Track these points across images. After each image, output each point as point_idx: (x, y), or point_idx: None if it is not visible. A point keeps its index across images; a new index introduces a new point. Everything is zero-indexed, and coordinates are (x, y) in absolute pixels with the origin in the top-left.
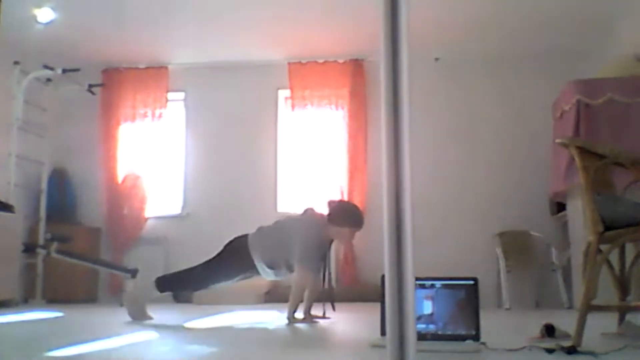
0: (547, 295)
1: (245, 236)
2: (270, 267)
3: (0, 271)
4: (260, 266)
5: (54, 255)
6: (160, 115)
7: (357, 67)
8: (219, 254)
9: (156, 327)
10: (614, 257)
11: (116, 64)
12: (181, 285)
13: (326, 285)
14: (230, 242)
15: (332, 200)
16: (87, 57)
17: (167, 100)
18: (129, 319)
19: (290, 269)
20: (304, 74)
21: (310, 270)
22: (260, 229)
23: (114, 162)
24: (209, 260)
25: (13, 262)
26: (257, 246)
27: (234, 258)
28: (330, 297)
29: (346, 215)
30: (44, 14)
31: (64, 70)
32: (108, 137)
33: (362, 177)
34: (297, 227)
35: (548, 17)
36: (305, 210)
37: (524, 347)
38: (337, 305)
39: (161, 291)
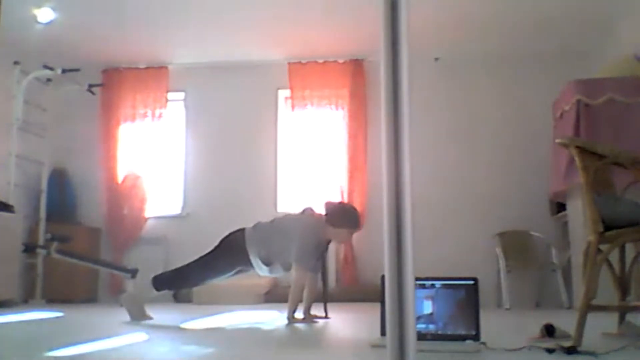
0: (547, 295)
1: (242, 230)
2: (266, 263)
3: (0, 271)
4: (256, 261)
5: (54, 255)
6: (160, 115)
7: (357, 67)
8: (215, 248)
9: (156, 327)
10: (614, 257)
11: (116, 64)
12: (178, 282)
13: (323, 286)
14: (227, 236)
15: (329, 202)
16: (87, 57)
17: (167, 100)
18: (128, 319)
19: (285, 267)
20: (304, 74)
21: (308, 269)
22: (257, 225)
23: (114, 162)
24: (205, 255)
25: (13, 262)
26: (253, 241)
27: (229, 252)
28: (324, 299)
29: (344, 216)
30: (44, 14)
31: (64, 70)
32: (108, 137)
33: (362, 177)
34: (295, 226)
35: (548, 17)
36: (304, 210)
37: (524, 347)
38: (337, 305)
39: (158, 290)
